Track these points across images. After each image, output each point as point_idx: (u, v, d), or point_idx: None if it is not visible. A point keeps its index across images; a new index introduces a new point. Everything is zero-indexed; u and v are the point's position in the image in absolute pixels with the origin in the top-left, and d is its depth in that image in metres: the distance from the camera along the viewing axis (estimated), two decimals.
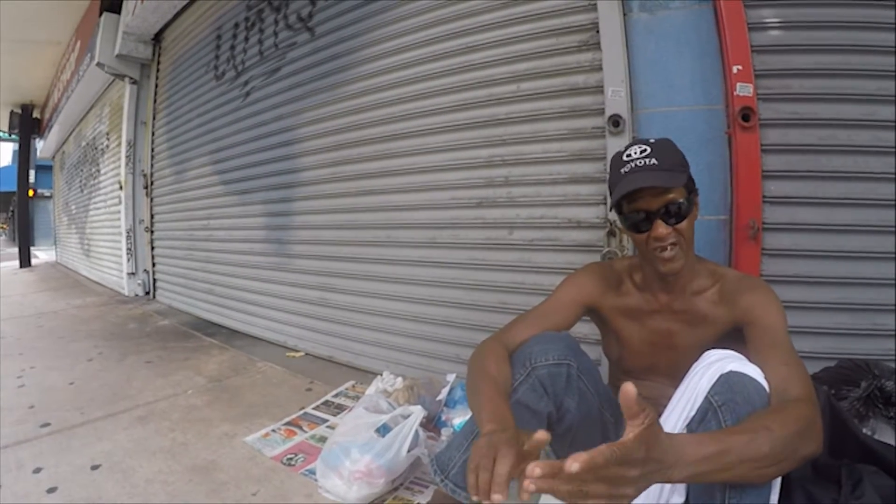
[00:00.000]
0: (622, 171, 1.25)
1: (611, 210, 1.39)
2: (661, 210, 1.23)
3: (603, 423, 1.35)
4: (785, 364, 1.07)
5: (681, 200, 1.24)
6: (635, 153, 1.25)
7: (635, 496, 0.79)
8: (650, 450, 0.77)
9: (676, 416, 1.11)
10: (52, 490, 1.73)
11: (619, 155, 1.31)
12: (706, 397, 1.04)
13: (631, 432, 0.76)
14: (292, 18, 3.63)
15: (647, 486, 0.80)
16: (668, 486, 1.08)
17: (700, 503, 1.00)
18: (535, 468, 0.73)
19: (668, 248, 1.24)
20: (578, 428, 1.28)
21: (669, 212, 1.23)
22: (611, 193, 1.33)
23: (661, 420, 1.14)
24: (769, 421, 0.93)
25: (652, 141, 1.28)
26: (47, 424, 2.26)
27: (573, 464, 0.71)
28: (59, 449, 2.03)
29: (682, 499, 1.06)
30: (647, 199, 1.23)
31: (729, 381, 1.03)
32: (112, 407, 2.47)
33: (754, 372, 1.05)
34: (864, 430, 1.38)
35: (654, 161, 1.23)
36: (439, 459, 1.28)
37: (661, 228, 1.23)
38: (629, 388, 0.75)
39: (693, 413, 1.06)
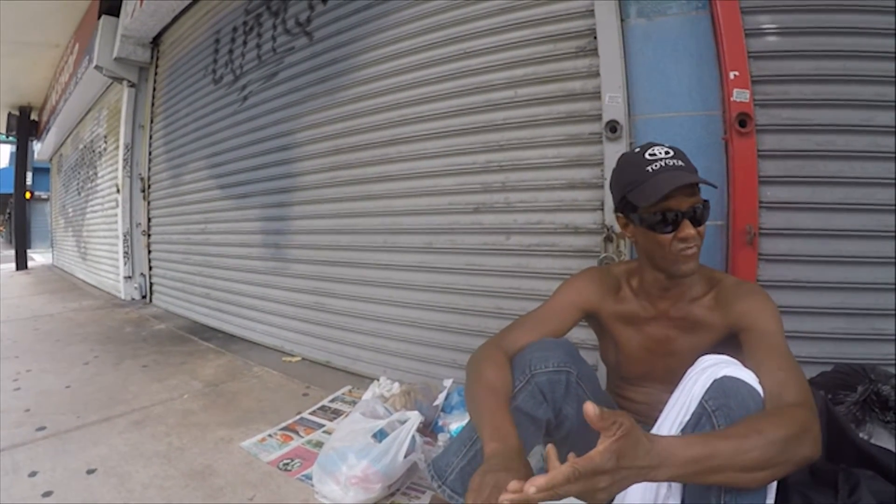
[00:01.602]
0: (648, 169, 1.23)
1: (618, 211, 1.37)
2: (689, 211, 1.22)
3: None
4: (780, 369, 1.07)
5: (701, 204, 1.24)
6: (660, 153, 1.25)
7: (609, 498, 0.84)
8: (622, 458, 0.82)
9: (671, 421, 1.11)
10: (47, 494, 1.72)
11: (637, 154, 1.29)
12: (700, 402, 1.04)
13: (601, 444, 0.81)
14: (291, 23, 3.63)
15: (624, 488, 0.85)
16: (664, 488, 1.08)
17: None
18: (504, 497, 0.81)
19: (690, 248, 1.24)
20: (577, 434, 1.27)
21: (693, 214, 1.23)
22: (626, 192, 1.29)
23: (657, 425, 1.15)
24: (761, 424, 0.93)
25: (668, 145, 1.28)
26: (43, 428, 2.25)
27: (530, 487, 0.79)
28: (54, 453, 2.03)
29: (678, 500, 1.06)
30: (679, 198, 1.21)
31: (723, 386, 1.03)
32: (108, 411, 2.46)
33: (748, 377, 1.05)
34: (861, 435, 1.38)
35: (681, 163, 1.23)
36: (436, 465, 1.28)
37: (690, 229, 1.21)
38: (589, 409, 0.80)
39: (687, 418, 1.06)
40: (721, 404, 1.01)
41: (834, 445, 1.30)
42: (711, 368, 1.09)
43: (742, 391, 1.02)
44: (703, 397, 1.04)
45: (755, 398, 1.02)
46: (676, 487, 1.07)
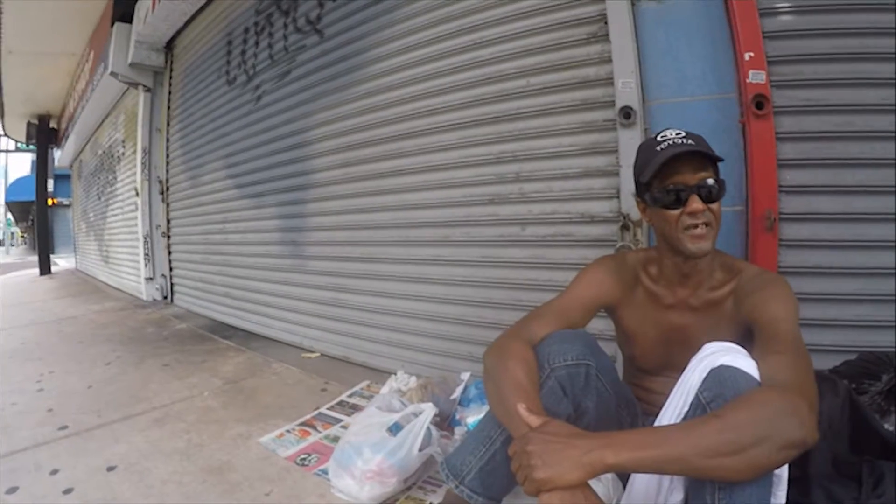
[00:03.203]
0: (657, 148, 1.24)
1: (636, 194, 1.36)
2: (696, 186, 1.21)
3: (619, 421, 1.33)
4: (777, 352, 1.03)
5: (713, 181, 1.22)
6: (671, 134, 1.25)
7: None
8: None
9: (671, 412, 1.08)
10: (68, 491, 1.74)
11: (651, 139, 1.31)
12: (696, 394, 1.02)
13: None
14: (301, 21, 3.64)
15: (559, 458, 0.92)
16: (665, 484, 1.06)
17: (695, 503, 0.98)
18: None
19: (701, 226, 1.21)
20: (596, 427, 1.25)
21: (703, 191, 1.21)
22: (639, 175, 1.31)
23: (659, 416, 1.12)
24: (724, 410, 0.91)
25: (686, 131, 1.26)
26: (65, 427, 2.28)
27: None
28: (76, 451, 2.05)
29: (682, 494, 1.04)
30: (684, 173, 1.21)
31: (719, 377, 1.00)
32: (129, 409, 2.49)
33: (747, 365, 1.00)
34: (886, 426, 1.34)
35: (690, 142, 1.22)
36: (450, 463, 1.27)
37: (697, 203, 1.20)
38: None
39: (686, 409, 1.04)
40: (716, 395, 0.98)
41: (858, 437, 1.27)
42: (710, 357, 1.05)
43: (739, 381, 0.98)
44: (699, 388, 1.02)
45: (752, 388, 0.97)
46: (678, 482, 1.04)
